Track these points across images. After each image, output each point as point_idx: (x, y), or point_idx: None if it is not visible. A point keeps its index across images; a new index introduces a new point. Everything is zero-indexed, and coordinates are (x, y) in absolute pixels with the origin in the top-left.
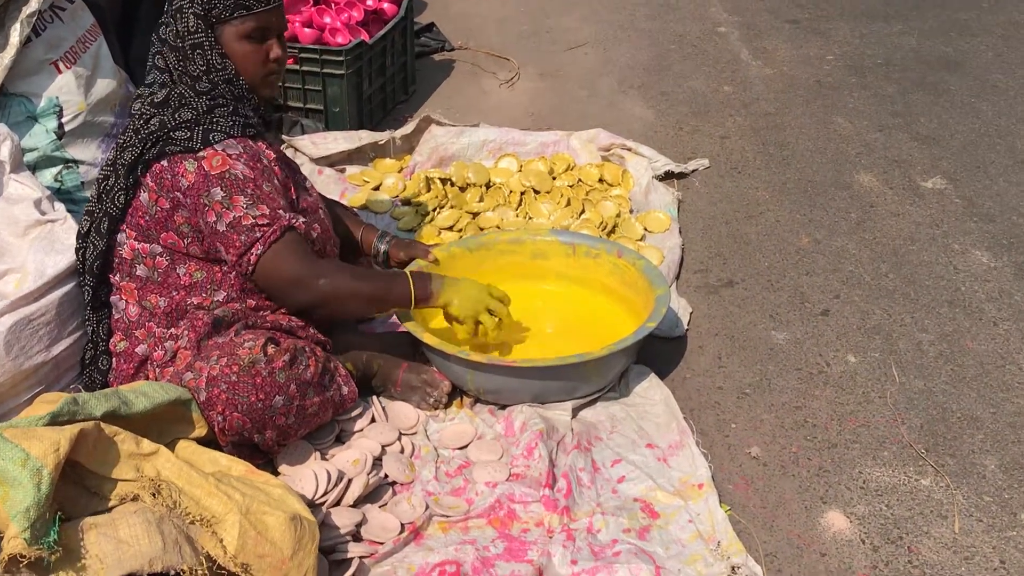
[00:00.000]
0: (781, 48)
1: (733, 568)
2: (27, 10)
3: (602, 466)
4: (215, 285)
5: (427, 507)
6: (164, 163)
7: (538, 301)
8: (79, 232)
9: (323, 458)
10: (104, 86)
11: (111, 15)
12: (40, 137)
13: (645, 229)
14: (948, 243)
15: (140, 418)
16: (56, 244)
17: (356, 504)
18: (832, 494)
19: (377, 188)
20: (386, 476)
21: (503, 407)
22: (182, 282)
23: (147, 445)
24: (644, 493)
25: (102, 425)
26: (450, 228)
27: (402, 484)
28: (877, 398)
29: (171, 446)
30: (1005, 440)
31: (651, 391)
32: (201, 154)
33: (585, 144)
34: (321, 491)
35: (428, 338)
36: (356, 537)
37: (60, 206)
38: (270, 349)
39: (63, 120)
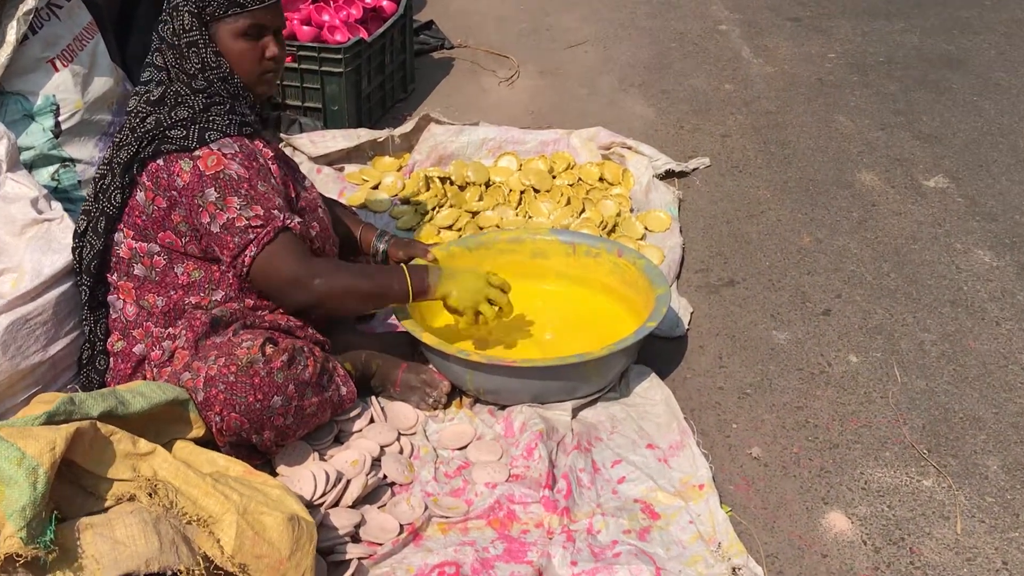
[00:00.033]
0: (782, 46)
1: (734, 569)
2: (24, 8)
3: (602, 467)
4: (213, 284)
5: (426, 508)
6: (160, 162)
7: (538, 301)
8: (75, 231)
9: (321, 459)
10: (101, 84)
11: (108, 13)
12: (37, 136)
13: (646, 228)
14: (950, 242)
15: (137, 418)
16: (53, 243)
17: (355, 505)
18: (834, 495)
19: (376, 187)
20: (385, 477)
21: (503, 407)
22: (180, 281)
23: (144, 445)
24: (644, 494)
25: (98, 425)
26: (449, 227)
27: (401, 485)
28: (879, 398)
29: (168, 446)
30: (1007, 440)
31: (651, 391)
32: (197, 153)
33: (585, 143)
34: (319, 492)
35: (427, 338)
36: (355, 538)
37: (57, 205)
38: (268, 349)
39: (60, 118)
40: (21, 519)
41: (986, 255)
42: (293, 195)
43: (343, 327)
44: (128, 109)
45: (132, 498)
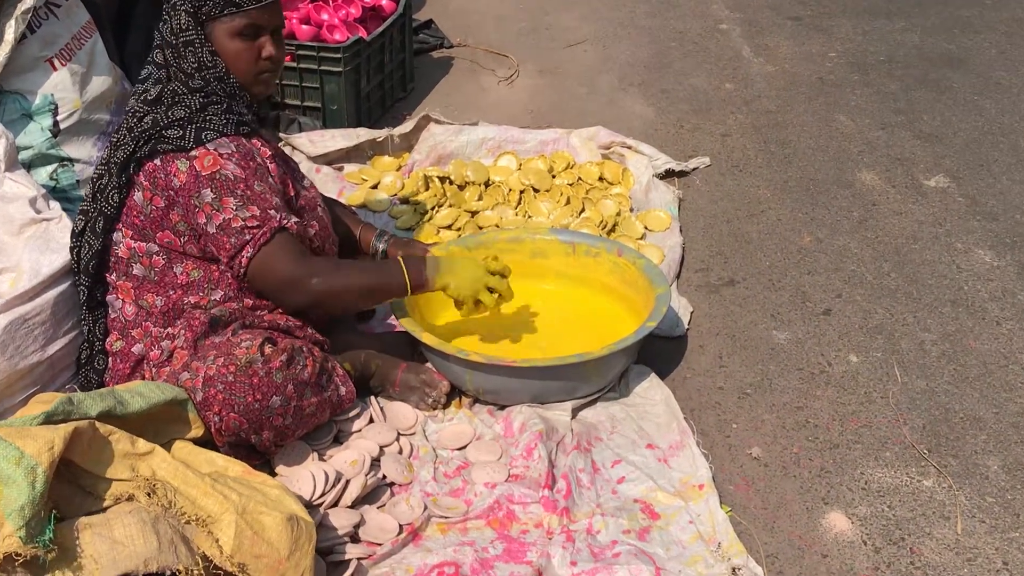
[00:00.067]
0: (783, 45)
1: (734, 569)
2: (22, 7)
3: (602, 467)
4: (212, 284)
5: (425, 508)
6: (157, 162)
7: (538, 300)
8: (73, 231)
9: (321, 459)
10: (100, 83)
11: (107, 12)
12: (35, 135)
13: (645, 228)
14: (951, 242)
15: (136, 418)
16: (51, 243)
17: (354, 505)
18: (834, 495)
19: (375, 186)
20: (384, 477)
21: (502, 407)
22: (179, 281)
23: (142, 445)
24: (644, 494)
25: (97, 424)
26: (449, 227)
27: (400, 485)
28: (879, 398)
29: (167, 446)
30: (1008, 440)
31: (651, 391)
32: (193, 153)
33: (585, 142)
34: (319, 492)
35: (427, 338)
36: (354, 538)
37: (55, 204)
38: (267, 349)
39: (58, 118)
40: (20, 518)
41: (987, 255)
42: (292, 194)
43: (342, 327)
44: (126, 108)
45: (131, 498)
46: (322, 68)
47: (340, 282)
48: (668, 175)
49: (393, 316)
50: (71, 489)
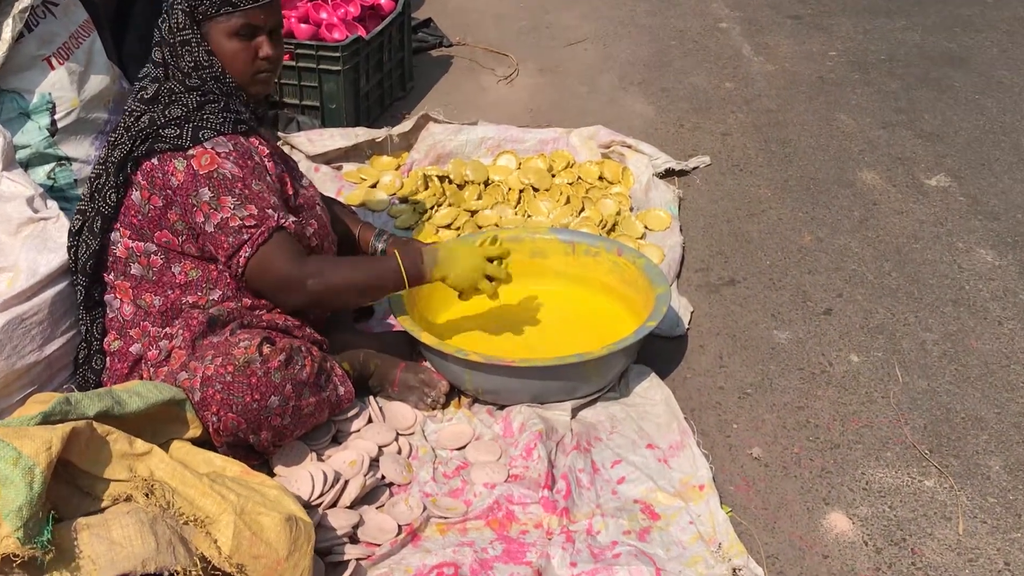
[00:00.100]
0: (783, 44)
1: (734, 570)
2: (19, 5)
3: (602, 467)
4: (210, 284)
5: (425, 508)
6: (154, 161)
7: (537, 300)
8: (70, 230)
9: (319, 459)
10: (98, 82)
11: (105, 11)
12: (33, 134)
13: (645, 227)
14: (952, 241)
15: (134, 418)
16: (49, 242)
17: (353, 505)
18: (835, 495)
19: (374, 186)
20: (383, 477)
21: (502, 407)
22: (177, 281)
23: (140, 445)
24: (644, 494)
25: (95, 424)
26: (448, 226)
27: (399, 485)
28: (880, 398)
29: (165, 447)
30: (1010, 441)
31: (651, 391)
32: (191, 152)
33: (585, 141)
34: (317, 492)
35: (426, 337)
36: (353, 539)
37: (53, 204)
38: (265, 349)
39: (56, 117)
40: (18, 519)
41: (988, 254)
42: (290, 192)
43: (341, 326)
44: (124, 107)
45: (129, 498)
46: (321, 67)
47: (337, 280)
48: (668, 174)
49: (392, 315)
50: (69, 490)
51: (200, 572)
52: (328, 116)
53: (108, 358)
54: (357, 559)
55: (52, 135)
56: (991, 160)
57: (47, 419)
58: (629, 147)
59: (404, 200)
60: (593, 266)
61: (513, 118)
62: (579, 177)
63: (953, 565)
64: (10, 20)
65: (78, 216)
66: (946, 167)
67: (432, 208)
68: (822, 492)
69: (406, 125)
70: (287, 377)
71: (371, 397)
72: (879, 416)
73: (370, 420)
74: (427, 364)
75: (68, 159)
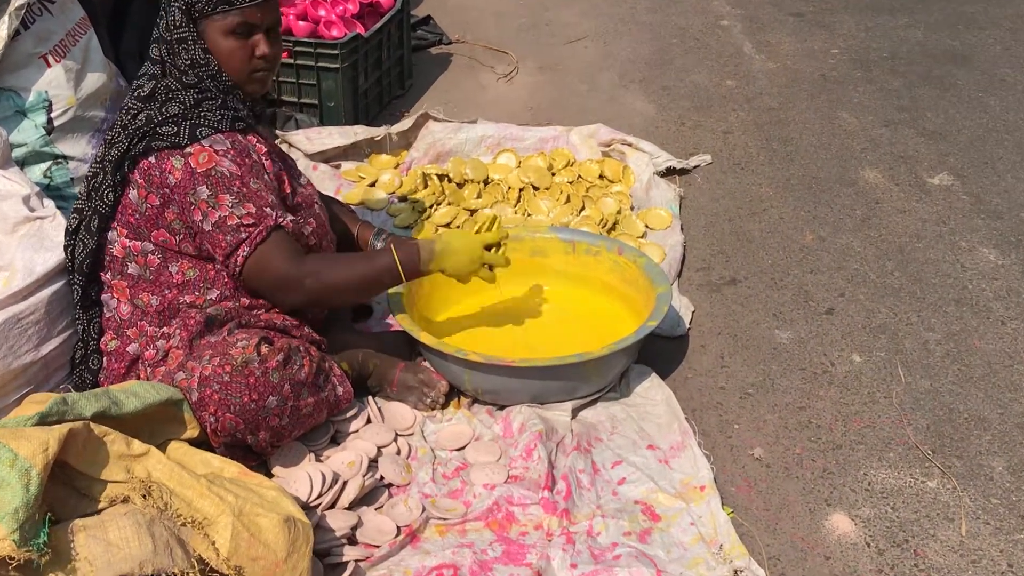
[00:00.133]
0: (785, 42)
1: (736, 572)
2: (16, 2)
3: (602, 468)
4: (208, 283)
5: (424, 509)
6: (152, 159)
7: (537, 299)
8: (67, 229)
9: (318, 460)
10: (94, 80)
11: (101, 8)
12: (29, 132)
13: (646, 226)
14: (955, 240)
15: (131, 419)
16: (45, 241)
17: (351, 506)
18: (837, 496)
19: (373, 184)
20: (382, 478)
21: (501, 407)
22: (174, 280)
23: (137, 446)
24: (645, 495)
25: (92, 425)
26: (447, 225)
27: (398, 486)
28: (882, 398)
29: (162, 447)
30: (1013, 441)
31: (652, 391)
32: (188, 150)
33: (585, 139)
34: (316, 493)
35: (425, 337)
36: (351, 540)
37: (49, 203)
38: (264, 349)
39: (52, 115)
40: (14, 521)
41: (991, 253)
42: (288, 191)
43: (340, 326)
44: (121, 105)
45: (126, 500)
46: (319, 65)
47: (334, 278)
48: (669, 173)
49: (391, 315)
50: (65, 491)
51: (198, 574)
52: (326, 114)
53: (105, 358)
54: (356, 560)
55: (48, 133)
56: (994, 159)
57: (44, 420)
58: (630, 145)
59: (403, 199)
60: (593, 265)
61: (513, 116)
62: (579, 176)
63: (956, 567)
64: (6, 17)
65: (75, 215)
66: (949, 166)
67: (431, 207)
68: (824, 493)
69: (405, 123)
70: (285, 377)
71: (370, 397)
72: (881, 416)
73: (369, 420)
74: (426, 364)
75: (64, 157)
